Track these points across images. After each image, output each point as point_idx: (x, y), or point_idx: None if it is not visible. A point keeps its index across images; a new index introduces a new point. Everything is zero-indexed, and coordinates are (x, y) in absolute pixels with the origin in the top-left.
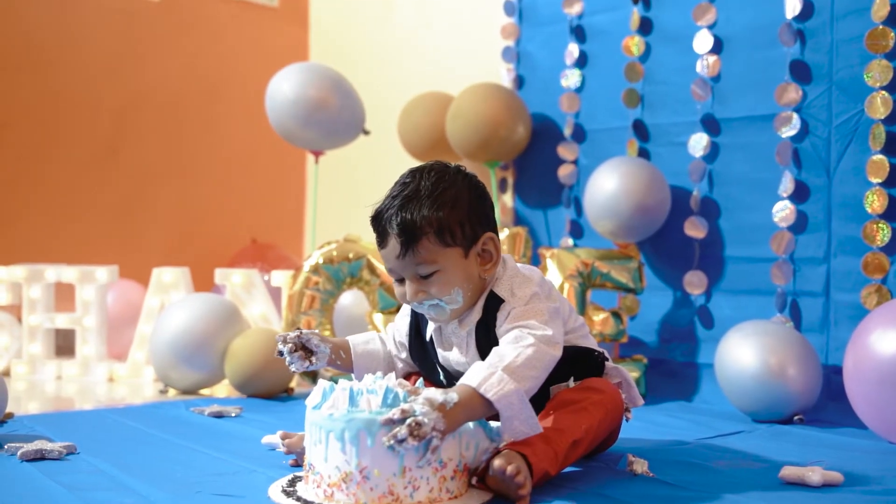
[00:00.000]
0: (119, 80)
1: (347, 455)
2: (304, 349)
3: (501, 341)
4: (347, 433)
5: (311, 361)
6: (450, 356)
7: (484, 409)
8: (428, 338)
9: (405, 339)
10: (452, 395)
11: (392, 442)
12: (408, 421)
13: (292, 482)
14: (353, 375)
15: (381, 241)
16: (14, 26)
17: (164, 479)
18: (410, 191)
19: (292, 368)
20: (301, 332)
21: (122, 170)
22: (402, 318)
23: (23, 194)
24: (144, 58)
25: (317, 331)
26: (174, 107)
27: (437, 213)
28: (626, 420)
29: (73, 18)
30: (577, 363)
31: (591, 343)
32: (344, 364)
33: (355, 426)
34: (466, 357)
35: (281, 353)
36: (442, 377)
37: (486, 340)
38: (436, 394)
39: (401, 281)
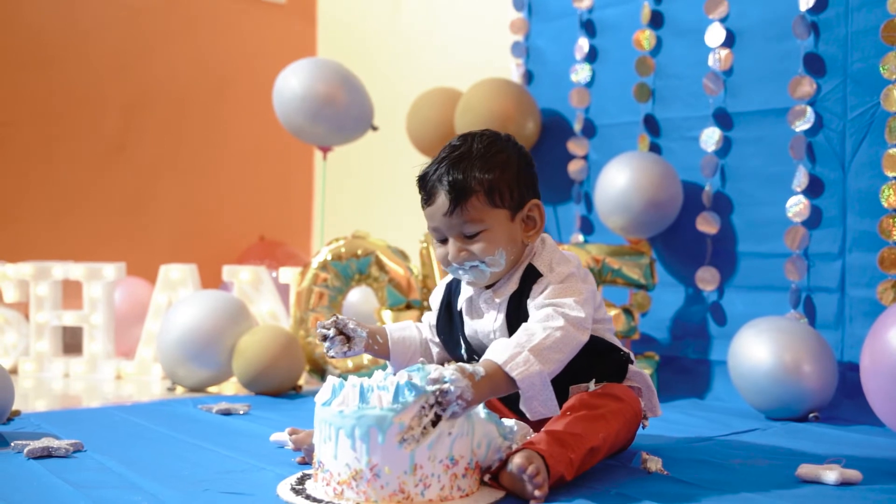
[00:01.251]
0: (126, 76)
1: (357, 452)
2: (341, 334)
3: (532, 316)
4: (358, 430)
5: (349, 347)
6: (477, 326)
7: (507, 386)
8: (459, 307)
9: (435, 316)
10: (479, 368)
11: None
12: (433, 388)
13: (301, 480)
14: (387, 363)
15: (429, 198)
16: (21, 23)
17: (171, 477)
18: (462, 151)
19: (331, 354)
20: (338, 318)
21: (130, 166)
22: (437, 294)
23: (30, 191)
24: (152, 54)
25: (353, 318)
26: (181, 104)
27: (488, 174)
28: (643, 428)
29: (79, 15)
30: (601, 359)
31: (616, 342)
32: (380, 351)
33: (366, 423)
34: (494, 326)
35: (325, 338)
36: (464, 350)
37: (516, 313)
38: (465, 365)
39: (443, 242)
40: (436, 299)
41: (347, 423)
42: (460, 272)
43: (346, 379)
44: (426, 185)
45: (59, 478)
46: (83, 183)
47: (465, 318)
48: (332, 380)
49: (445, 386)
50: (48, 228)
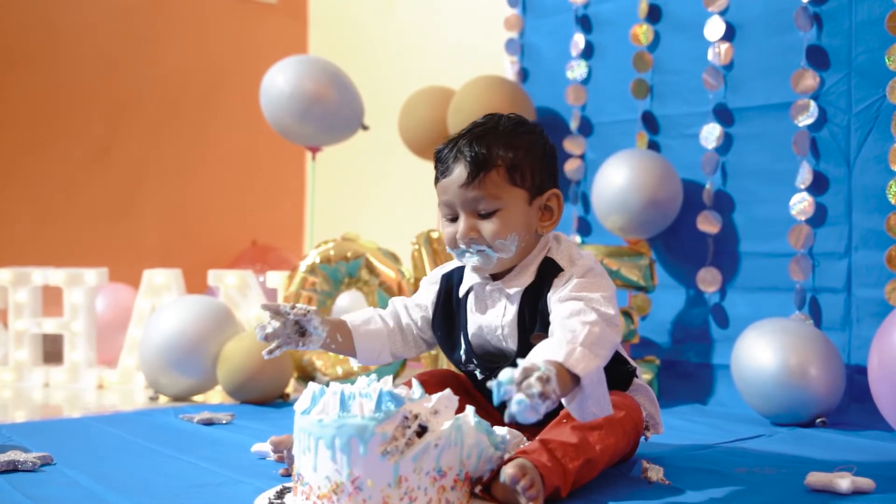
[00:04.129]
0: (112, 77)
1: (338, 464)
2: (297, 326)
3: (558, 311)
4: (338, 440)
5: (301, 342)
6: (483, 321)
7: (570, 386)
8: (461, 296)
9: (430, 309)
10: (550, 367)
11: (523, 397)
12: (536, 374)
13: (280, 494)
14: (352, 361)
15: (446, 169)
16: (4, 23)
17: (143, 492)
18: (488, 127)
19: (267, 349)
20: (308, 311)
21: (114, 169)
22: (428, 287)
23: (8, 194)
24: (138, 55)
25: (317, 310)
26: (169, 105)
27: (511, 151)
28: (645, 440)
29: (64, 14)
30: (606, 371)
31: (624, 353)
32: (341, 348)
33: (346, 432)
34: (503, 321)
35: (270, 330)
36: (462, 351)
37: (531, 308)
38: (535, 361)
39: (453, 220)
40: (430, 291)
41: (327, 433)
42: (466, 255)
43: (328, 386)
44: (444, 157)
45: (21, 493)
46: (65, 186)
47: (469, 313)
48: (312, 386)
49: (545, 374)
50: (27, 233)
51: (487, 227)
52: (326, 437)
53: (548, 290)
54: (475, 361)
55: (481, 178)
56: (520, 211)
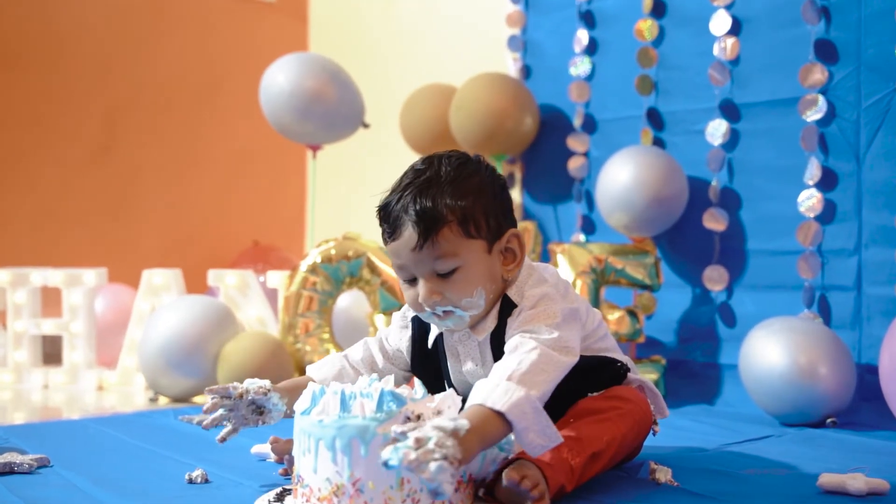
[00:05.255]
0: (111, 77)
1: (339, 465)
2: (252, 406)
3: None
4: (339, 441)
5: (259, 421)
6: (463, 368)
7: (498, 428)
8: (430, 346)
9: (406, 354)
10: (462, 421)
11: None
12: (417, 452)
13: (280, 496)
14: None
15: (393, 231)
16: (1, 23)
17: (140, 494)
18: (429, 176)
19: (220, 435)
20: (265, 389)
21: (113, 169)
22: (400, 331)
23: (7, 194)
24: (137, 54)
25: (267, 384)
26: (168, 105)
27: (460, 201)
28: (654, 434)
29: (63, 14)
30: (594, 375)
31: (612, 347)
32: None
33: (347, 433)
34: (484, 368)
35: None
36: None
37: (500, 352)
38: (444, 421)
39: (412, 282)
40: (402, 336)
41: (328, 434)
42: (434, 318)
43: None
44: (389, 216)
45: (16, 496)
46: (64, 186)
47: (449, 361)
48: (312, 386)
49: (431, 448)
50: (26, 233)
51: (450, 287)
52: (327, 438)
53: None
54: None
55: (433, 238)
56: (481, 263)
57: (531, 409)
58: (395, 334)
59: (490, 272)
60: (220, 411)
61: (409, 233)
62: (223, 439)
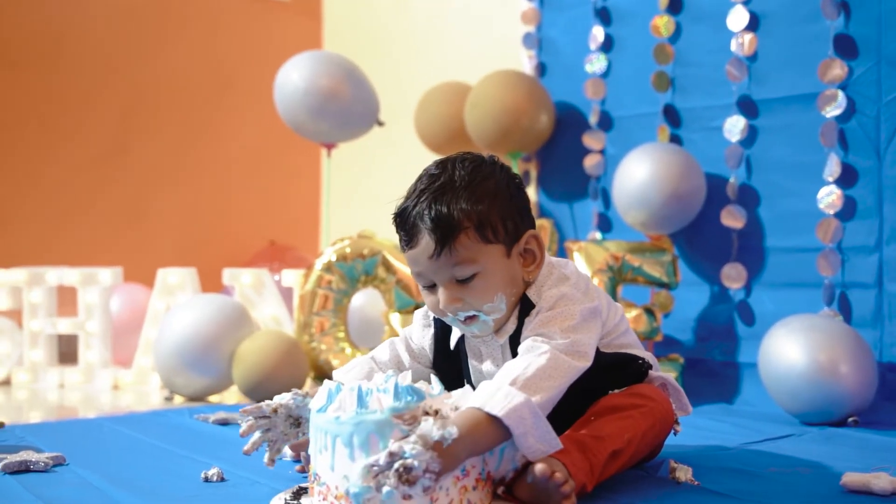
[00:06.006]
0: (125, 76)
1: (357, 463)
2: (290, 420)
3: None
4: (356, 438)
5: (299, 433)
6: (484, 368)
7: (492, 433)
8: (453, 347)
9: (428, 351)
10: (451, 429)
11: (376, 486)
12: (395, 465)
13: (297, 494)
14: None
15: (409, 239)
16: (18, 22)
17: (156, 493)
18: (443, 182)
19: (268, 457)
20: (303, 395)
21: (128, 169)
22: (423, 330)
23: (23, 194)
24: (151, 54)
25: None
26: (182, 104)
27: (476, 205)
28: (675, 434)
29: (78, 13)
30: (615, 372)
31: (634, 343)
32: None
33: (365, 429)
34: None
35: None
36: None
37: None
38: (431, 429)
39: (431, 287)
40: (425, 335)
41: (345, 431)
42: (458, 323)
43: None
44: (405, 224)
45: (32, 493)
46: (79, 186)
47: (470, 361)
48: (328, 384)
49: (408, 462)
50: (42, 233)
51: (470, 293)
52: (344, 435)
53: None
54: None
55: (451, 245)
56: (500, 267)
57: (530, 415)
58: (419, 332)
59: (510, 276)
60: (258, 433)
61: (425, 241)
62: (272, 461)
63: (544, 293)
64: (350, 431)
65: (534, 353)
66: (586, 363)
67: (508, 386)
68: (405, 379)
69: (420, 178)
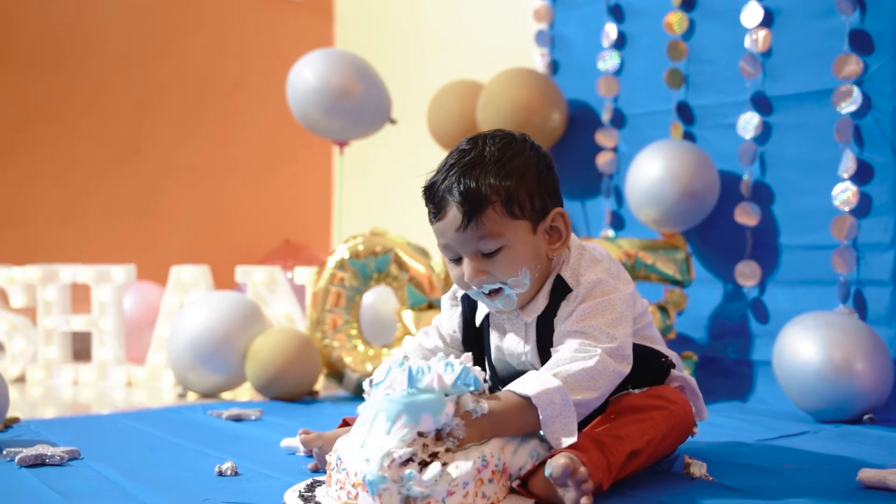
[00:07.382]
0: (138, 75)
1: (391, 436)
2: None
3: (562, 349)
4: (405, 416)
5: None
6: (503, 344)
7: (521, 416)
8: (479, 325)
9: (457, 332)
10: (483, 404)
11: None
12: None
13: (311, 487)
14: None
15: (438, 211)
16: (32, 23)
17: (170, 487)
18: (473, 157)
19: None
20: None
21: (141, 166)
22: (451, 309)
23: (37, 193)
24: (164, 53)
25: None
26: (195, 103)
27: (504, 181)
28: (692, 436)
29: (91, 13)
30: (638, 367)
31: (657, 338)
32: None
33: (416, 408)
34: (525, 348)
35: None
36: (488, 377)
37: (547, 335)
38: (467, 401)
39: (457, 260)
40: (454, 314)
41: (392, 408)
42: (482, 297)
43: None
44: (434, 197)
45: (48, 486)
46: (93, 184)
47: (492, 337)
48: (389, 360)
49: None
50: (56, 230)
51: (494, 267)
52: (390, 411)
53: (555, 315)
54: (500, 388)
55: (478, 218)
56: (526, 243)
57: (560, 401)
58: (447, 315)
59: (535, 252)
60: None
61: (453, 213)
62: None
63: (582, 277)
64: (398, 409)
65: (581, 354)
66: (628, 368)
67: (548, 374)
68: (469, 361)
69: (451, 153)
